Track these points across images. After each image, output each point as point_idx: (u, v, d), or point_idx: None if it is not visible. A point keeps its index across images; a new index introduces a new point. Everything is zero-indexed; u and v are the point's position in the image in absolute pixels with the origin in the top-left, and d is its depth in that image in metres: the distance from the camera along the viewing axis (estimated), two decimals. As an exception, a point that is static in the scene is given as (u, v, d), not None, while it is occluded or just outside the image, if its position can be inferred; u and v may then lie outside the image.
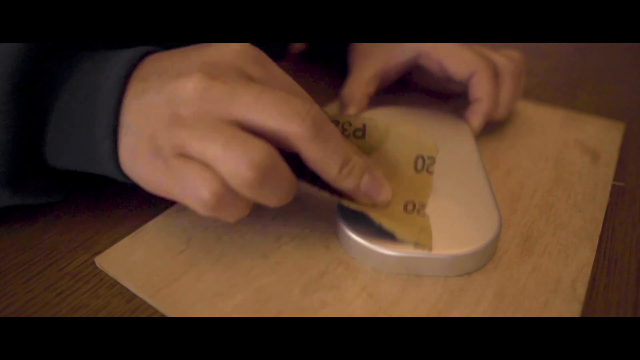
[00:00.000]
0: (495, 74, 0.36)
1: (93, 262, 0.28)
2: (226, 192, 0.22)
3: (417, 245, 0.25)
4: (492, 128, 0.40)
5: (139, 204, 0.33)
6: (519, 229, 0.30)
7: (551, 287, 0.26)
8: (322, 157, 0.24)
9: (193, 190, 0.22)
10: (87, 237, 0.30)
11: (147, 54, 0.26)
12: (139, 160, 0.24)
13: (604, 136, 0.39)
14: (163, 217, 0.30)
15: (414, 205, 0.28)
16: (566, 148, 0.38)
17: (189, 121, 0.23)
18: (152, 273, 0.26)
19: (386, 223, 0.25)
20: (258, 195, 0.23)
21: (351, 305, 0.25)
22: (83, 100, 0.25)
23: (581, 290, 0.26)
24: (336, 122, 0.27)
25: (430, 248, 0.25)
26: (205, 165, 0.22)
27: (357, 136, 0.28)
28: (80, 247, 0.29)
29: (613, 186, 0.34)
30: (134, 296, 0.26)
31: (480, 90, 0.36)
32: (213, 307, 0.24)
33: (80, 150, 0.26)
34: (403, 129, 0.29)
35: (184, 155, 0.23)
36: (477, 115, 0.36)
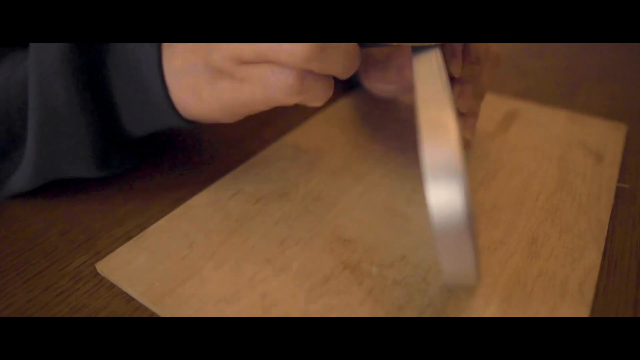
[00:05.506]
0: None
1: (93, 263, 0.28)
2: (306, 72, 0.24)
3: None
4: (494, 130, 0.40)
5: (139, 204, 0.32)
6: (524, 232, 0.29)
7: (558, 290, 0.25)
8: None
9: (275, 82, 0.24)
10: (87, 237, 0.30)
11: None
12: (205, 92, 0.26)
13: (607, 137, 0.39)
14: (164, 222, 0.30)
15: None
16: (569, 149, 0.38)
17: None
18: (155, 279, 0.26)
19: None
20: (327, 66, 0.23)
21: (357, 310, 0.24)
22: (130, 78, 0.28)
23: (589, 293, 0.25)
24: None
25: None
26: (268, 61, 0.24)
27: None
28: (80, 247, 0.29)
29: (616, 188, 0.34)
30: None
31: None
32: (217, 314, 0.24)
33: (150, 115, 0.29)
34: None
35: (245, 63, 0.24)
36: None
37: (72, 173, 0.31)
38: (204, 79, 0.26)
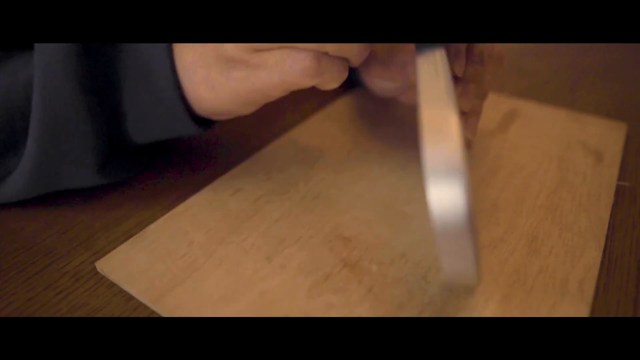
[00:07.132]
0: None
1: (92, 262, 0.28)
2: (323, 54, 0.25)
3: None
4: (495, 129, 0.40)
5: (139, 203, 0.32)
6: (525, 230, 0.29)
7: (558, 288, 0.25)
8: None
9: (292, 65, 0.24)
10: (86, 236, 0.30)
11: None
12: (218, 82, 0.26)
13: (607, 136, 0.39)
14: (164, 221, 0.30)
15: None
16: (569, 149, 0.38)
17: None
18: (154, 278, 0.26)
19: None
20: (342, 47, 0.24)
21: (357, 308, 0.24)
22: (140, 78, 0.28)
23: (589, 291, 0.25)
24: None
25: None
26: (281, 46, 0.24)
27: None
28: (80, 247, 0.29)
29: (616, 186, 0.34)
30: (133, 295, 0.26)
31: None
32: (217, 312, 0.24)
33: (159, 119, 0.29)
34: None
35: (259, 50, 0.25)
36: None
37: (69, 181, 0.30)
38: (217, 70, 0.26)
